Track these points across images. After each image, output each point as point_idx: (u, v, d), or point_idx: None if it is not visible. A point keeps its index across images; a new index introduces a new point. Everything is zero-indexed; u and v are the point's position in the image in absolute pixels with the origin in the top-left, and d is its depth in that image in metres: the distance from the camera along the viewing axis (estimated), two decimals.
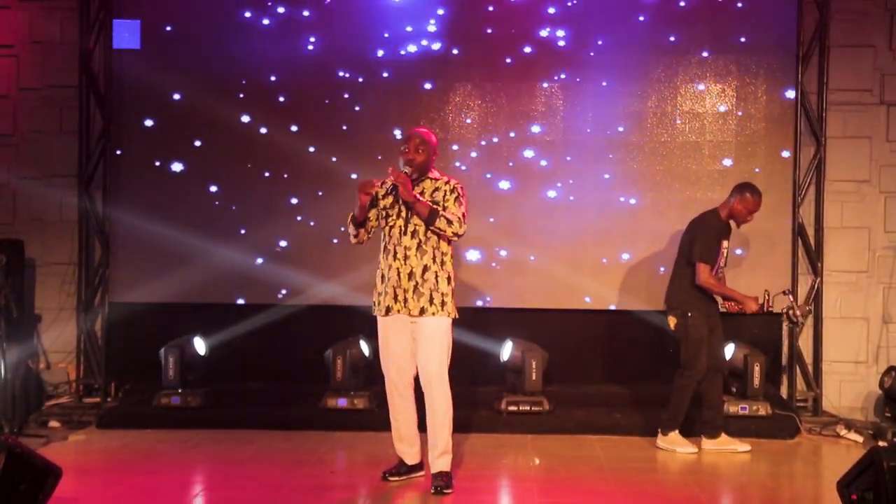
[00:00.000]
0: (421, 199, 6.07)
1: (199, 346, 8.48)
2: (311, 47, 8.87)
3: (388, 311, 6.18)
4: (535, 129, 8.83)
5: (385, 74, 8.83)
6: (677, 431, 7.51)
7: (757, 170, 8.70)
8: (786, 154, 8.70)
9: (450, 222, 6.04)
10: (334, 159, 8.75)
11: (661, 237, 8.64)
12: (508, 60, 8.81)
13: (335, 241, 8.68)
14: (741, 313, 7.65)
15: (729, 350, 8.17)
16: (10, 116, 9.10)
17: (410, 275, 6.12)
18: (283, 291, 8.83)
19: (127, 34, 8.88)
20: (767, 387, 8.38)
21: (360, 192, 6.10)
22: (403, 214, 6.14)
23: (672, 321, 7.54)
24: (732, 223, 7.60)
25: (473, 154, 8.85)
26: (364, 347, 8.29)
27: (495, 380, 8.55)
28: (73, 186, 8.95)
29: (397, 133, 8.63)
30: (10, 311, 7.94)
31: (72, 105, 8.97)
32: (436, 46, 8.81)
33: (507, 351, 8.32)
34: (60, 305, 9.08)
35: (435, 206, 6.06)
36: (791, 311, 7.69)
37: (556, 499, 6.11)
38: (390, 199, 6.20)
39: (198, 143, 8.87)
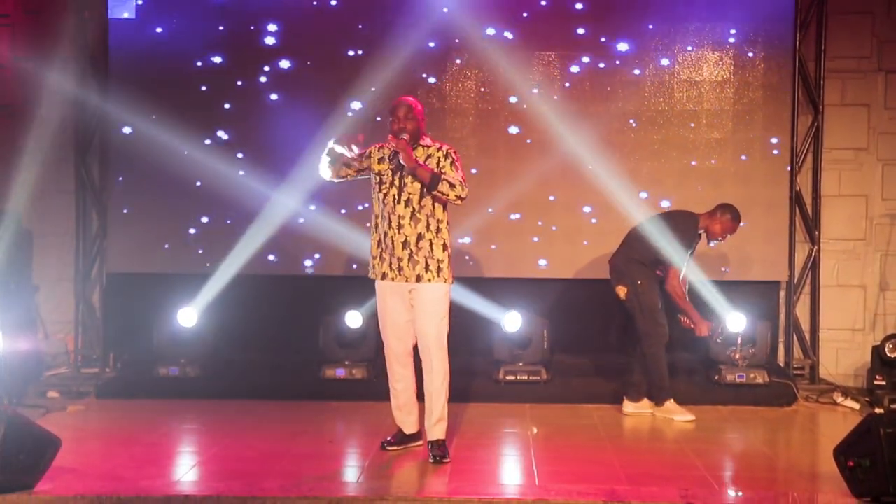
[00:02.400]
0: (423, 164, 6.07)
1: (187, 317, 8.40)
2: (314, 2, 8.84)
3: (383, 276, 6.20)
4: (532, 97, 8.79)
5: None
6: (672, 400, 7.54)
7: (754, 138, 8.70)
8: (783, 122, 8.68)
9: (452, 186, 6.03)
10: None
11: (658, 206, 8.64)
12: (506, 29, 8.78)
13: (343, 211, 8.70)
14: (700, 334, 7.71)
15: (736, 320, 8.15)
16: (5, 86, 9.06)
17: (405, 243, 6.11)
18: (284, 261, 8.84)
19: (122, 3, 8.83)
20: (761, 354, 8.41)
21: (344, 144, 6.09)
22: (397, 183, 6.12)
23: (622, 291, 7.56)
24: (704, 235, 7.64)
25: (469, 123, 8.82)
26: (352, 318, 8.25)
27: (490, 349, 8.53)
28: (70, 157, 8.93)
29: None
30: (8, 282, 7.94)
31: (67, 75, 8.93)
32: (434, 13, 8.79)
33: (514, 321, 8.29)
34: (58, 276, 9.07)
35: (437, 171, 6.05)
36: (733, 353, 7.75)
37: (554, 467, 6.12)
38: (385, 166, 6.17)
39: (194, 112, 8.83)
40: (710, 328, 7.62)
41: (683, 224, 7.53)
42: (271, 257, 8.82)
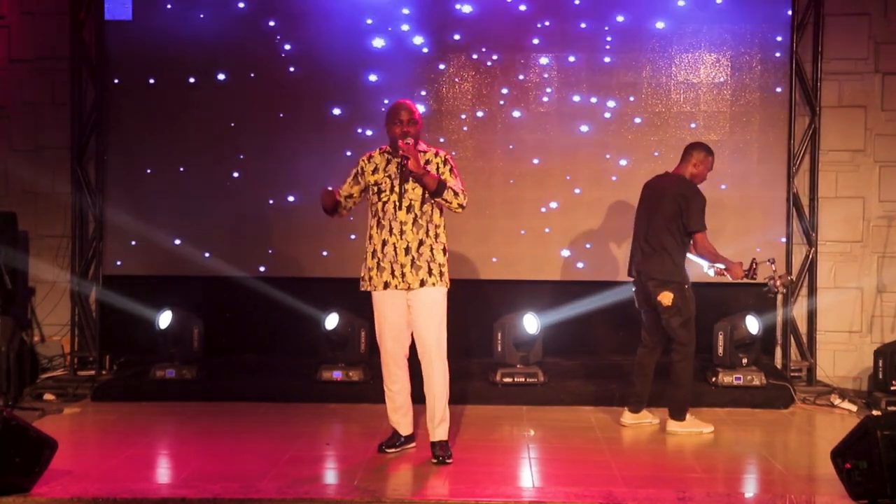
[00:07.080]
0: (429, 171, 6.03)
1: (165, 320, 8.38)
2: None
3: (385, 286, 6.16)
4: (529, 100, 8.80)
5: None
6: (691, 414, 7.23)
7: (751, 140, 8.70)
8: (780, 124, 8.68)
9: (456, 194, 6.02)
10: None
11: None
12: (501, 31, 8.78)
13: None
14: (729, 282, 7.51)
15: (753, 323, 8.10)
16: (1, 88, 9.05)
17: (407, 249, 6.09)
18: (279, 262, 8.82)
19: (118, 5, 8.81)
20: (762, 356, 8.42)
21: (323, 199, 6.19)
22: (397, 189, 6.08)
23: (668, 297, 6.98)
24: None
25: (465, 126, 8.82)
26: (346, 320, 8.26)
27: (487, 351, 8.51)
28: (66, 159, 8.92)
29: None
30: (4, 284, 7.93)
31: (63, 77, 8.92)
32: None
33: (510, 323, 8.27)
34: (54, 278, 9.06)
35: (443, 179, 6.03)
36: (772, 281, 7.50)
37: (551, 469, 6.12)
38: (381, 175, 6.14)
39: (191, 115, 8.83)
40: (742, 267, 7.11)
41: (691, 187, 7.09)
42: (267, 259, 8.81)
